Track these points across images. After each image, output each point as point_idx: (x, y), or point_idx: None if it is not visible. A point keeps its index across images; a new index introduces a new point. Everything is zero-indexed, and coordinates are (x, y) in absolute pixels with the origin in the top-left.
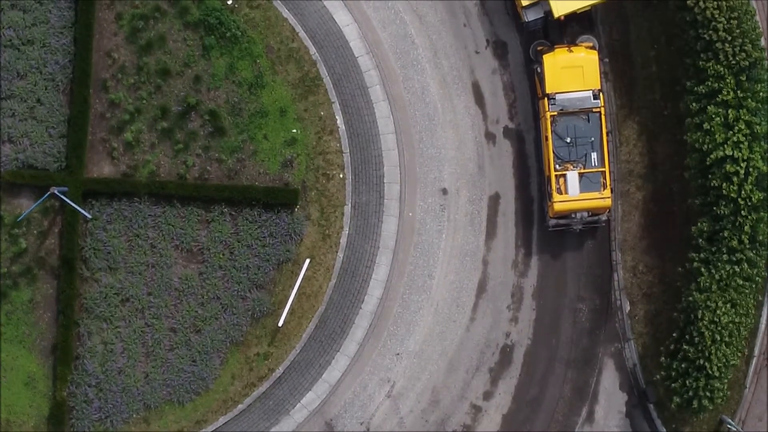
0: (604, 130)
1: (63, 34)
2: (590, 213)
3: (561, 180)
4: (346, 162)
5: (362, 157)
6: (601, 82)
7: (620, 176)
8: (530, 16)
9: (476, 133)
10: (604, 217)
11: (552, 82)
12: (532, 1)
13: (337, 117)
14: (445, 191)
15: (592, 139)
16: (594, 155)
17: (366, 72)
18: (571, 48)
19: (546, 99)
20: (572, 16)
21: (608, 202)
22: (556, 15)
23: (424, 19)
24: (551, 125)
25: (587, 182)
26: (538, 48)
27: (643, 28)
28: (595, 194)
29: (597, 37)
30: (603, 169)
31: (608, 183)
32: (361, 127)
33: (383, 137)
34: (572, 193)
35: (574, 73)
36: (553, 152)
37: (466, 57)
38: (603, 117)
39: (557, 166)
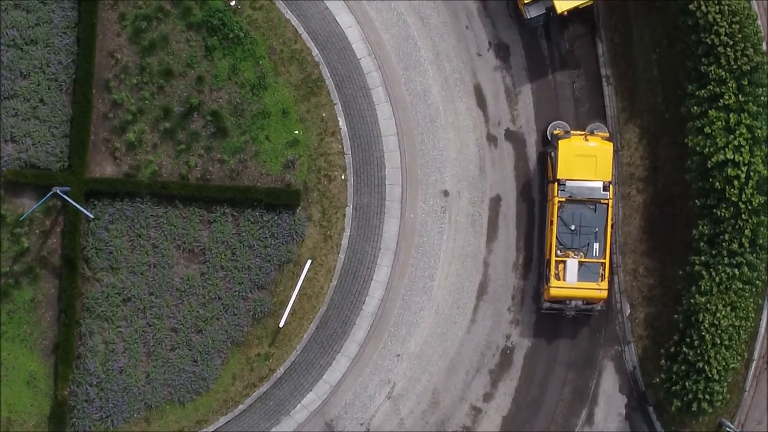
0: (609, 222)
1: (66, 34)
2: (585, 302)
3: (560, 266)
4: (347, 163)
5: (364, 158)
6: (612, 174)
7: (621, 179)
8: (532, 13)
9: (478, 135)
10: (598, 307)
11: (564, 169)
12: None
13: (339, 118)
14: (446, 193)
15: (597, 229)
16: (596, 246)
17: (368, 74)
18: (587, 137)
19: (556, 184)
20: (576, 20)
21: (604, 294)
22: (559, 11)
23: (427, 21)
24: (558, 210)
25: (586, 272)
26: (555, 132)
27: (645, 31)
28: (593, 284)
29: (599, 40)
30: (603, 261)
31: (606, 275)
32: (363, 129)
33: (385, 139)
34: (570, 281)
35: (587, 162)
36: (557, 237)
37: (468, 59)
38: (610, 209)
39: (558, 251)
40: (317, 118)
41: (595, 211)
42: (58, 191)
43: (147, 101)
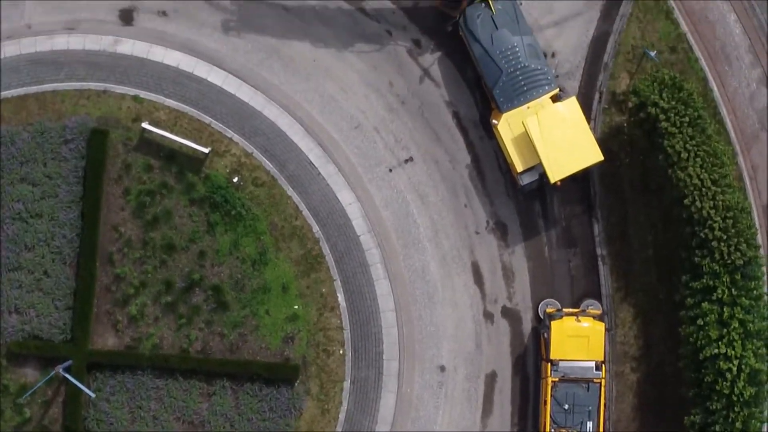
0: (602, 401)
1: (71, 208)
2: None
3: None
4: (346, 338)
5: (362, 333)
6: (605, 354)
7: (615, 357)
8: (526, 180)
9: (475, 311)
10: None
11: (557, 349)
12: (527, 167)
13: (338, 294)
14: (443, 368)
15: (590, 407)
16: (590, 424)
17: (368, 250)
18: (579, 317)
19: (549, 364)
20: (573, 200)
21: None
22: (552, 181)
23: (426, 198)
24: (551, 390)
25: None
26: (547, 310)
27: (640, 212)
28: None
29: (595, 220)
30: None
31: None
32: (362, 304)
33: (383, 314)
34: None
35: (579, 342)
36: (550, 417)
37: (467, 237)
38: (603, 388)
39: (552, 430)
40: (317, 294)
41: (588, 390)
42: (60, 370)
43: (149, 275)
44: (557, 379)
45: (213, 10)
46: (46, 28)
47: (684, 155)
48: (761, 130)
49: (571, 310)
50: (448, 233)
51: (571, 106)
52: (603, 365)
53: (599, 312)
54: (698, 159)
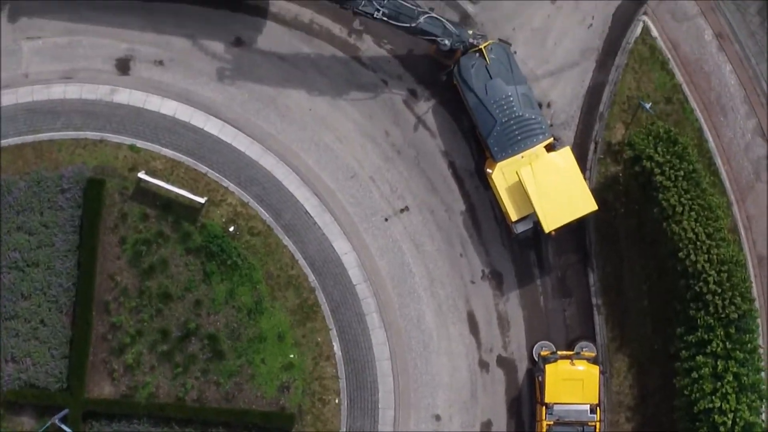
0: None
1: (67, 257)
2: None
3: None
4: (341, 387)
5: (358, 382)
6: (600, 397)
7: (611, 407)
8: (520, 229)
9: (470, 361)
10: None
11: (552, 393)
12: (521, 216)
13: (333, 343)
14: (438, 417)
15: None
16: None
17: (363, 299)
18: (573, 361)
19: (544, 407)
20: (568, 249)
21: None
22: (546, 230)
23: (422, 248)
24: None
25: None
26: (542, 353)
27: (636, 262)
28: None
29: (591, 269)
30: None
31: None
32: (358, 353)
33: (379, 363)
34: None
35: (574, 385)
36: None
37: (462, 286)
38: (598, 431)
39: None
40: (312, 343)
41: None
42: (56, 421)
43: (145, 323)
44: (552, 423)
45: (209, 60)
46: (44, 78)
47: (679, 209)
48: (756, 181)
49: (565, 352)
50: (443, 282)
51: (565, 155)
52: (598, 408)
53: (593, 354)
54: (693, 213)
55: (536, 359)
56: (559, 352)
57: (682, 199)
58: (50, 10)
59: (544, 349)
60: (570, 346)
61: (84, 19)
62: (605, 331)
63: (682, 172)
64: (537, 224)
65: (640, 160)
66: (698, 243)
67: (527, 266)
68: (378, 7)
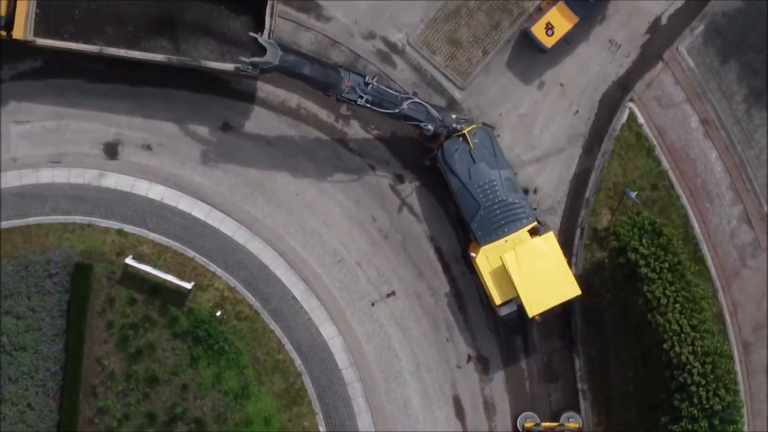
0: None
1: (55, 341)
2: None
3: None
4: None
5: None
6: None
7: None
8: (504, 312)
9: None
10: None
11: None
12: (505, 300)
13: (320, 427)
14: None
15: None
16: None
17: (349, 384)
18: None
19: None
20: (555, 334)
21: None
22: (530, 315)
23: (408, 332)
24: None
25: None
26: (526, 424)
27: (622, 348)
28: None
29: (577, 355)
30: None
31: None
32: None
33: None
34: None
35: None
36: None
37: (448, 370)
38: None
39: None
40: (299, 427)
41: None
42: None
43: (132, 407)
44: None
45: (197, 145)
46: (32, 162)
47: (663, 301)
48: (742, 267)
49: (549, 424)
50: (429, 367)
51: (549, 240)
52: None
53: (578, 426)
54: (677, 305)
55: (520, 431)
56: (543, 424)
57: (666, 291)
58: (39, 94)
59: (528, 420)
60: (555, 417)
61: (72, 104)
62: (591, 416)
63: (666, 264)
64: (521, 307)
65: (625, 251)
66: (683, 335)
67: (513, 351)
68: (361, 94)
